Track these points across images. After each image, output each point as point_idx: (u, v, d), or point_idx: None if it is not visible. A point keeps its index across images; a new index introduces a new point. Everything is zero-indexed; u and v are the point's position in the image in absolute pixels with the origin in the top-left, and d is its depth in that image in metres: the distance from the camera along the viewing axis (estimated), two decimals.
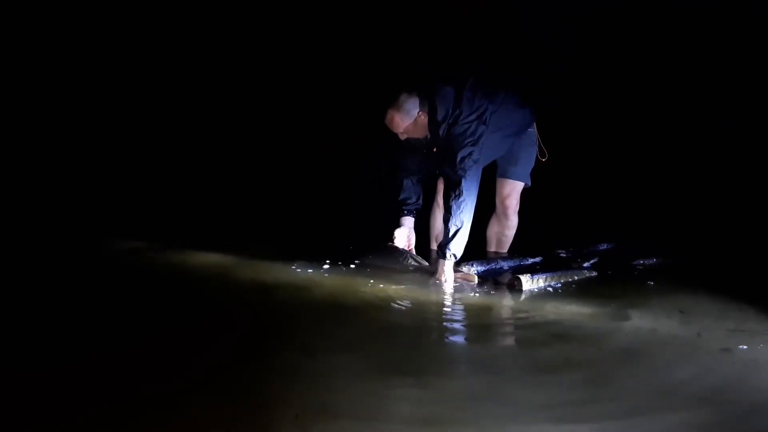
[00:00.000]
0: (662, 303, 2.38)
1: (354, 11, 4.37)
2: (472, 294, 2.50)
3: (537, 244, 3.24)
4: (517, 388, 1.59)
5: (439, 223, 3.09)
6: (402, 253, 2.91)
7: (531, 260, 3.02)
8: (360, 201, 4.34)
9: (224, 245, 3.17)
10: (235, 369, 1.67)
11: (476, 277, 2.67)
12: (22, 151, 4.66)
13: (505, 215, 3.10)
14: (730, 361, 1.79)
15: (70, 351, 1.79)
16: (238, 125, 4.96)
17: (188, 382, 1.57)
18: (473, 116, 2.69)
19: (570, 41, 3.99)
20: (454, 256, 2.63)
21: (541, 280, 2.60)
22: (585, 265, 2.97)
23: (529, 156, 3.06)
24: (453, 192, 2.63)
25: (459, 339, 2.07)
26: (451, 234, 2.61)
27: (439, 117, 2.70)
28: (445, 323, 2.15)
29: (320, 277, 2.67)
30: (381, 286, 2.53)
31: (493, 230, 3.18)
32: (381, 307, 2.27)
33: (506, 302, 2.43)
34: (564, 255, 3.20)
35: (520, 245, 3.15)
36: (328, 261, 2.86)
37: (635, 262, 3.06)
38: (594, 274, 2.83)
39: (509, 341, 2.06)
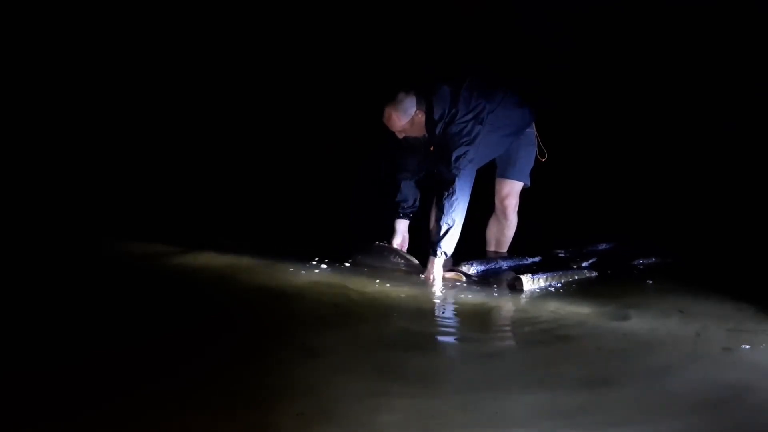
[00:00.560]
0: (661, 303, 2.38)
1: (354, 11, 4.38)
2: (472, 294, 2.50)
3: (537, 244, 3.23)
4: (517, 388, 1.59)
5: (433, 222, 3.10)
6: (392, 251, 2.90)
7: (530, 260, 3.02)
8: (360, 201, 4.34)
9: (224, 245, 3.16)
10: (235, 369, 1.67)
11: (464, 277, 2.68)
12: (23, 151, 4.66)
13: (505, 215, 3.10)
14: (730, 361, 1.79)
15: (70, 351, 1.78)
16: (238, 125, 4.95)
17: (188, 382, 1.57)
18: (470, 116, 2.70)
19: (570, 41, 3.98)
20: (445, 254, 2.65)
21: (541, 280, 2.60)
22: (584, 264, 2.97)
23: (528, 156, 3.05)
24: (446, 190, 2.64)
25: (459, 339, 2.07)
26: (442, 232, 2.63)
27: (436, 116, 2.70)
28: (445, 323, 2.16)
29: (320, 276, 2.67)
30: (381, 286, 2.53)
31: (492, 230, 3.18)
32: (381, 307, 2.28)
33: (507, 302, 2.44)
34: (563, 255, 3.20)
35: (520, 245, 3.15)
36: (327, 261, 2.86)
37: (635, 262, 3.06)
38: (594, 274, 2.83)
39: (509, 341, 2.07)
